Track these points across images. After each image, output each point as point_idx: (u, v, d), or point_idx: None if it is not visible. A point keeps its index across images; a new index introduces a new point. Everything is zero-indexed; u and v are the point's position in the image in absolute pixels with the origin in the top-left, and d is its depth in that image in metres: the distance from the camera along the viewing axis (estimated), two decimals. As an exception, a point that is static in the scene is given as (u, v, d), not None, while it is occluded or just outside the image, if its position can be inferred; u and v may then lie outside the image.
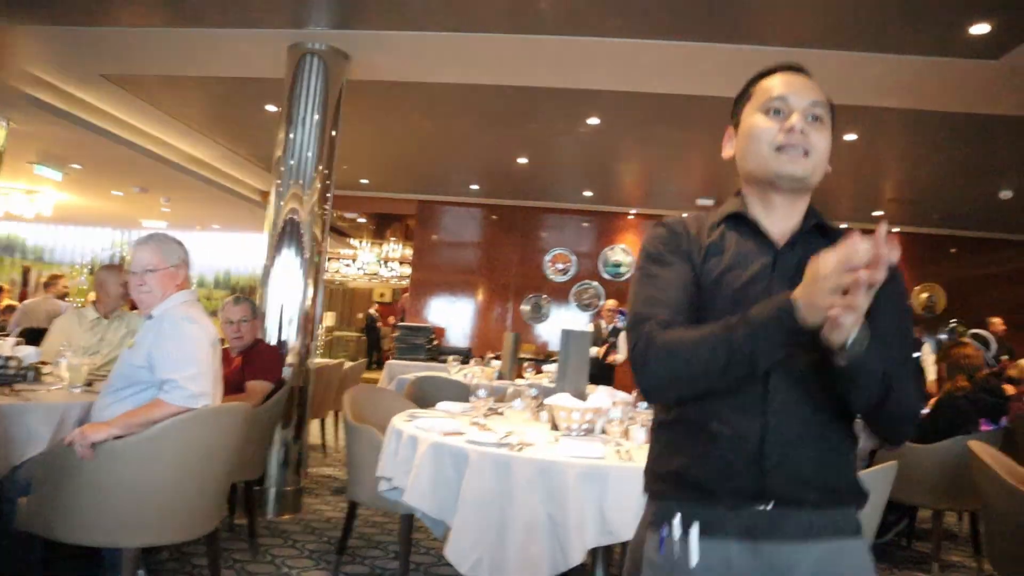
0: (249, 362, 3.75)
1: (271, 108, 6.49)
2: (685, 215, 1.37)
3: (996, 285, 10.33)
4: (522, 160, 8.48)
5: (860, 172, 8.18)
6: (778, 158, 1.24)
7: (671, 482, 1.23)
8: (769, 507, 1.16)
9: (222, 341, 3.17)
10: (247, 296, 4.06)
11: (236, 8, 4.65)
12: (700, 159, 7.89)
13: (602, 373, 7.28)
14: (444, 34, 4.76)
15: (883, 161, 7.82)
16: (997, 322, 8.44)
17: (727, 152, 1.37)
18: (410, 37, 4.83)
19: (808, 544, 1.16)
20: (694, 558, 1.16)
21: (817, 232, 1.29)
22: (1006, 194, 8.19)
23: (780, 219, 1.29)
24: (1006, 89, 5.03)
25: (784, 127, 1.24)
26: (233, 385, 3.59)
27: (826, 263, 1.02)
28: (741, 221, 1.31)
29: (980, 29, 4.29)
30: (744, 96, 1.35)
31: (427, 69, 5.46)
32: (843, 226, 1.35)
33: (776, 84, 1.30)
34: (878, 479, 2.41)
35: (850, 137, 6.60)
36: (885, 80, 5.06)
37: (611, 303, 8.49)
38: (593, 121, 6.69)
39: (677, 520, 1.19)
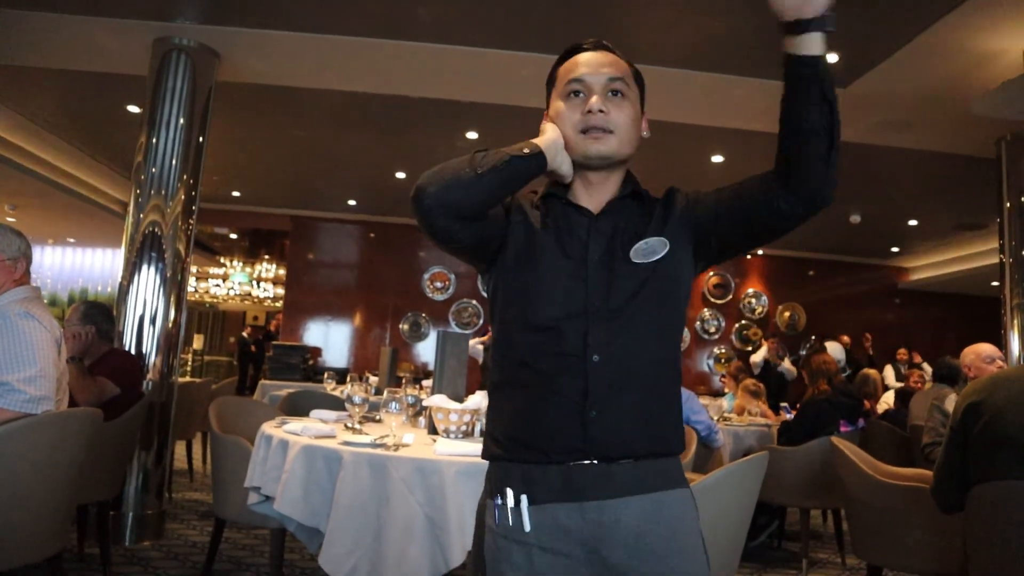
0: (99, 367, 3.45)
1: (133, 108, 6.10)
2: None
3: (848, 304, 11.20)
4: (400, 175, 8.37)
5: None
6: (584, 140, 1.29)
7: (504, 444, 1.24)
8: (593, 463, 1.19)
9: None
10: (95, 304, 3.67)
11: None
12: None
13: None
14: (319, 36, 4.62)
15: (748, 183, 8.22)
16: (845, 339, 9.68)
17: None
18: (284, 38, 4.66)
19: (631, 498, 1.19)
20: (527, 525, 1.19)
21: (632, 199, 1.35)
22: (855, 218, 8.84)
23: (596, 192, 1.34)
24: (852, 116, 5.41)
25: (584, 110, 1.29)
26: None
27: None
28: (556, 198, 1.35)
29: (829, 58, 4.59)
30: (550, 82, 1.40)
31: (302, 73, 5.27)
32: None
33: (574, 66, 1.34)
34: (750, 469, 2.47)
35: (717, 159, 6.92)
36: (748, 103, 5.32)
37: None
38: (472, 135, 6.69)
39: (510, 493, 1.21)
